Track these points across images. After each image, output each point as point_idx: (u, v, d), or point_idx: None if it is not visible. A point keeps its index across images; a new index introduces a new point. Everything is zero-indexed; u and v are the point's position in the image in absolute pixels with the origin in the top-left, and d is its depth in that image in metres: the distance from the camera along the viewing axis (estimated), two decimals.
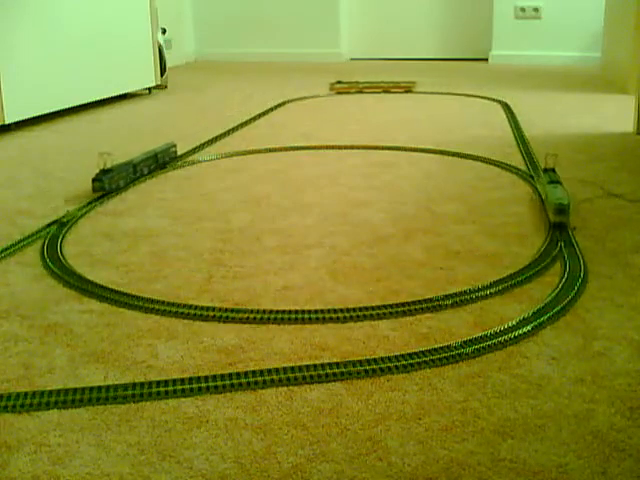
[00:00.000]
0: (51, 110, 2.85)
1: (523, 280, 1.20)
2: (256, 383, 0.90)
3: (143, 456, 0.77)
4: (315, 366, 0.94)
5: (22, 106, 2.66)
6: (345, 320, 1.07)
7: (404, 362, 0.94)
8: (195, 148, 2.30)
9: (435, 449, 0.77)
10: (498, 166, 2.01)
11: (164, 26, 3.79)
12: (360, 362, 0.95)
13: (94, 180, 1.76)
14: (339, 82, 3.39)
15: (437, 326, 1.05)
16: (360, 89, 3.39)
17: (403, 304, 1.12)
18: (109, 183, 1.76)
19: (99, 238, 1.47)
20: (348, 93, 3.37)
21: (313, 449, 0.77)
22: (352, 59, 5.29)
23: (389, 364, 0.94)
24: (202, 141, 2.40)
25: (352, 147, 2.28)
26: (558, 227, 1.44)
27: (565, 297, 1.13)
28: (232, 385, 0.90)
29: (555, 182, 1.57)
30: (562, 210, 1.43)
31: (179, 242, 1.43)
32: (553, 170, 1.67)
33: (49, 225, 1.54)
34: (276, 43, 5.25)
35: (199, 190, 1.82)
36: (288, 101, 3.29)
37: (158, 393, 0.88)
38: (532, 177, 1.86)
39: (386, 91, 3.41)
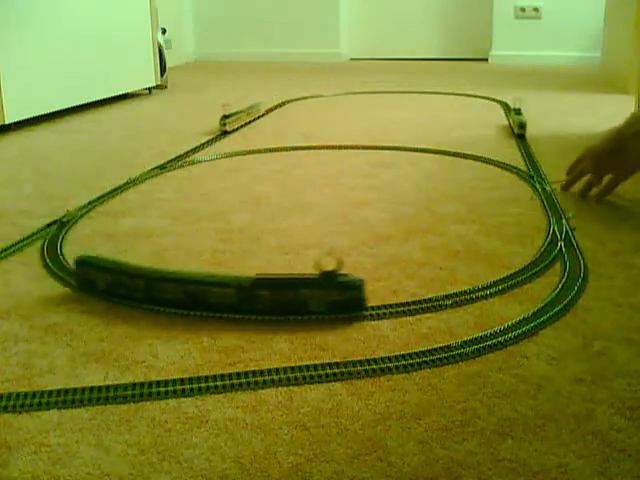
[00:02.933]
0: (51, 110, 2.85)
1: (523, 280, 1.20)
2: (256, 383, 0.90)
3: (143, 456, 0.76)
4: (315, 366, 0.94)
5: (22, 106, 2.66)
6: (345, 320, 1.07)
7: (404, 362, 0.94)
8: (195, 148, 2.30)
9: (435, 449, 0.77)
10: (498, 166, 2.01)
11: (164, 26, 3.79)
12: (360, 362, 0.95)
13: None
14: (225, 117, 2.57)
15: (437, 326, 1.05)
16: (242, 120, 2.68)
17: (403, 304, 1.12)
18: None
19: (99, 238, 1.47)
20: (235, 130, 2.61)
21: (313, 449, 0.77)
22: (352, 59, 5.29)
23: (389, 364, 0.94)
24: (202, 141, 2.40)
25: (352, 147, 2.28)
26: (520, 137, 2.34)
27: (565, 297, 1.13)
28: (232, 385, 0.90)
29: (519, 114, 2.52)
30: (522, 126, 2.35)
31: (179, 242, 1.43)
32: (519, 109, 2.58)
33: (49, 225, 1.54)
34: (276, 43, 5.26)
35: (199, 190, 1.82)
36: (288, 101, 3.29)
37: (158, 393, 0.88)
38: (532, 177, 1.86)
39: (253, 120, 2.80)
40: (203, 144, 2.36)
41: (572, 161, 1.75)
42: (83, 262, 1.17)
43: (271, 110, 3.05)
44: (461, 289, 1.16)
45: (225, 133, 2.54)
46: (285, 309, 1.07)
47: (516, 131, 2.38)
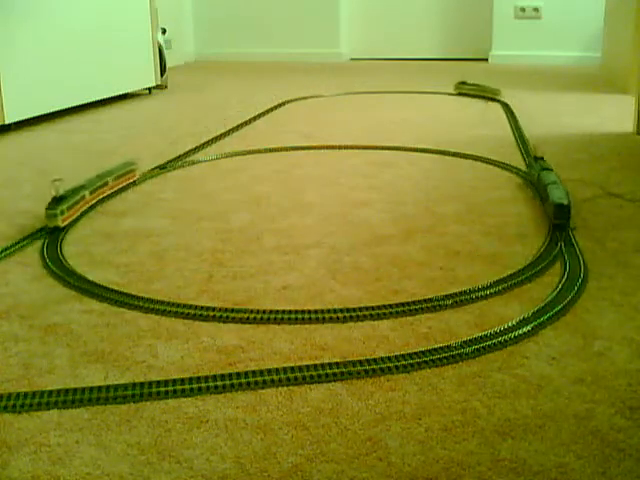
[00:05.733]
0: (51, 110, 2.85)
1: (523, 280, 1.20)
2: (256, 383, 0.90)
3: (143, 456, 0.76)
4: (315, 366, 0.94)
5: (22, 106, 2.66)
6: (345, 320, 1.07)
7: (404, 362, 0.94)
8: (195, 148, 2.30)
9: (435, 449, 0.77)
10: (498, 166, 2.01)
11: (164, 26, 3.79)
12: (360, 362, 0.95)
13: None
14: (56, 200, 1.53)
15: (437, 326, 1.05)
16: (87, 202, 1.63)
17: (403, 304, 1.12)
18: None
19: (99, 238, 1.47)
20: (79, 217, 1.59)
21: (313, 449, 0.77)
22: (352, 59, 5.29)
23: (389, 364, 0.94)
24: (202, 141, 2.40)
25: (352, 147, 2.28)
26: (504, 104, 3.03)
27: (565, 297, 1.13)
28: (232, 385, 0.90)
29: (498, 89, 3.27)
30: (496, 92, 3.19)
31: (179, 242, 1.43)
32: (498, 87, 3.33)
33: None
34: (276, 43, 5.25)
35: (199, 190, 1.82)
36: (288, 101, 3.29)
37: (158, 393, 0.88)
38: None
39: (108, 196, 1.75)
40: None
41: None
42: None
43: (271, 110, 3.05)
44: (461, 289, 1.17)
45: (56, 230, 1.50)
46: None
47: (499, 96, 3.19)
